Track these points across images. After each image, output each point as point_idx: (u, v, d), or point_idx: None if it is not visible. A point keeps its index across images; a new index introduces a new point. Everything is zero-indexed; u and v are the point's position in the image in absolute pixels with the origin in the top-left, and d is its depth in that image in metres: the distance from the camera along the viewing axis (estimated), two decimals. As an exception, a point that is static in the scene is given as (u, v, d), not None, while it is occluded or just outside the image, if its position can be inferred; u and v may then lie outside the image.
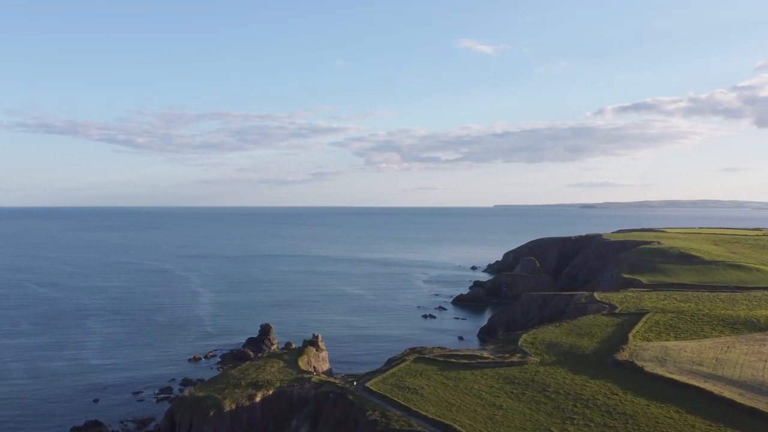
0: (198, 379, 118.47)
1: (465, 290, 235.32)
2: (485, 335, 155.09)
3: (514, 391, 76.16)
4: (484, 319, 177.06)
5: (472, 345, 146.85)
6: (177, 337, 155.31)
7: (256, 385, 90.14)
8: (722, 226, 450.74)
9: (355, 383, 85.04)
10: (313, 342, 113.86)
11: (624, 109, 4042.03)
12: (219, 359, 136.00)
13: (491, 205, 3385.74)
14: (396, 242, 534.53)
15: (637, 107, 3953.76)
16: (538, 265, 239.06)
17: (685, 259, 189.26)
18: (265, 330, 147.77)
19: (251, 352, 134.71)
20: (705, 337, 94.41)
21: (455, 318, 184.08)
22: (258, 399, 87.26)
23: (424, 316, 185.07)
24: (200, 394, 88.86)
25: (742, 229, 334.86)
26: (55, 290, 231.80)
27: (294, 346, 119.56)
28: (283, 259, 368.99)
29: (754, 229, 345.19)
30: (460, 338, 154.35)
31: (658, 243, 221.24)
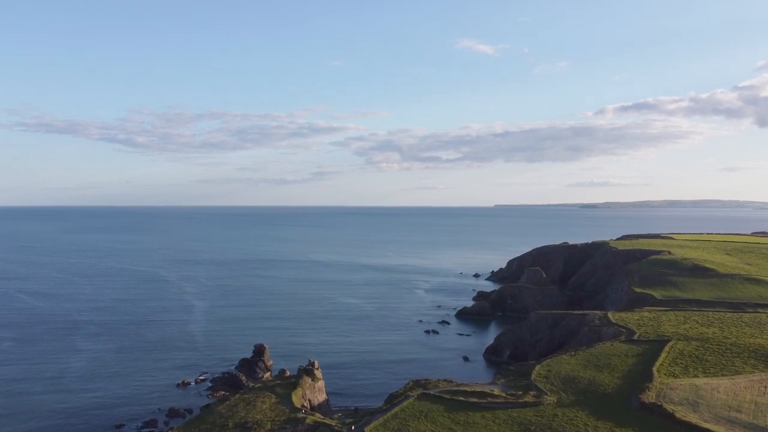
0: (185, 409, 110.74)
1: (468, 301, 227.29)
2: (491, 356, 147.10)
3: (531, 442, 68.10)
4: (490, 336, 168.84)
5: (478, 367, 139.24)
6: (166, 356, 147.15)
7: (245, 427, 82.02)
8: (727, 229, 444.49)
9: (353, 427, 77.07)
10: (308, 370, 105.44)
11: (625, 109, 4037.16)
12: (209, 384, 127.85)
13: (491, 204, 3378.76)
14: (397, 246, 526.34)
15: (638, 107, 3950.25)
16: (544, 275, 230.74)
17: (699, 271, 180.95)
18: (259, 351, 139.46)
19: (243, 377, 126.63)
20: (737, 372, 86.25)
21: (459, 334, 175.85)
22: (246, 444, 79.15)
23: (427, 332, 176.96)
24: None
25: (752, 236, 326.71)
26: (43, 301, 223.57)
27: (288, 373, 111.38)
28: (281, 264, 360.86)
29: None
30: (465, 359, 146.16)
31: (669, 253, 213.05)
